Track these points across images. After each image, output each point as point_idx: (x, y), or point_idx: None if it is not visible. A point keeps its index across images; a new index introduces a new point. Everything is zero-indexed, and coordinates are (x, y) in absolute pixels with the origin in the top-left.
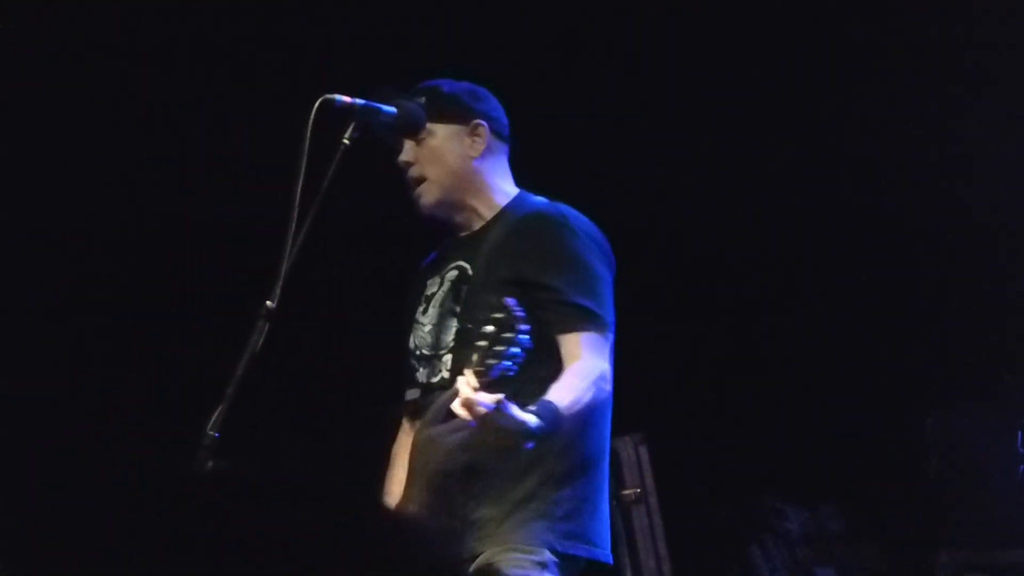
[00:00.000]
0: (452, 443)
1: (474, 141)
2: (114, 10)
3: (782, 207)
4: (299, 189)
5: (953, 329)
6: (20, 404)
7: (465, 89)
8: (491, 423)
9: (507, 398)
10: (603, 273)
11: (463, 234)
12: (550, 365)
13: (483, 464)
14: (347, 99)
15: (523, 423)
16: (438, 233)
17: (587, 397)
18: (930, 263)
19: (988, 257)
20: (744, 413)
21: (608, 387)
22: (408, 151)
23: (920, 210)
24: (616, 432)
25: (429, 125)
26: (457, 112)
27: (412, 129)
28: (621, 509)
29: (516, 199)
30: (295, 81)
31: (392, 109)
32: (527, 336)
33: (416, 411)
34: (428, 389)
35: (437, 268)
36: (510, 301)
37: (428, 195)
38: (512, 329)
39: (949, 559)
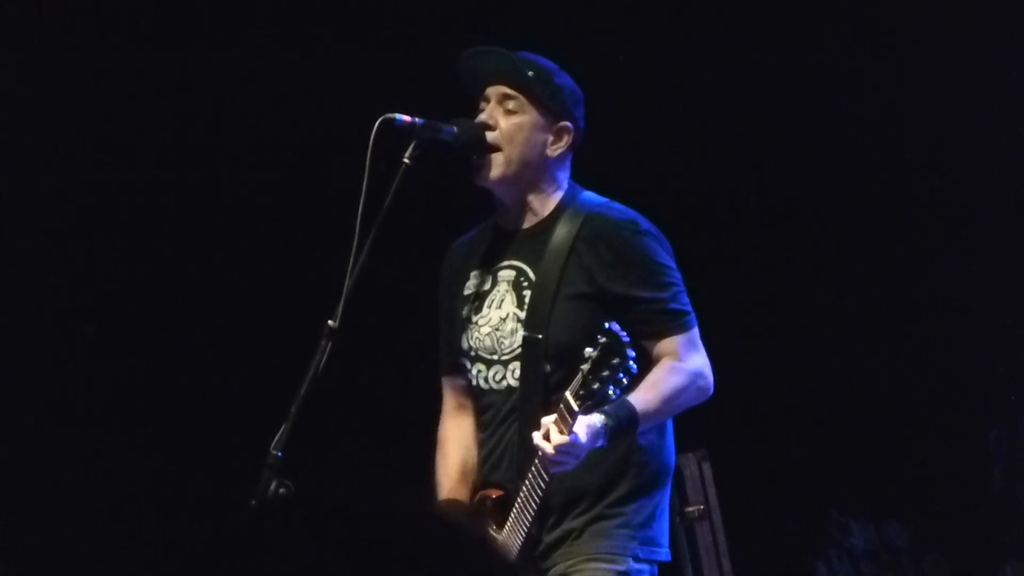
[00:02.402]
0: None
1: (557, 140)
2: (172, 33)
3: (846, 225)
4: (361, 208)
5: (1017, 343)
6: (86, 429)
7: (571, 88)
8: (578, 452)
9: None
10: (677, 270)
11: (512, 228)
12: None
13: (583, 482)
14: (407, 118)
15: (596, 428)
16: (480, 207)
17: (678, 389)
18: (994, 278)
19: None
20: (807, 428)
21: (709, 377)
22: (494, 112)
23: (986, 226)
24: (679, 449)
25: (525, 99)
26: (556, 106)
27: (472, 147)
28: (685, 526)
29: (568, 194)
30: (360, 100)
31: (452, 128)
32: (634, 363)
33: (479, 409)
34: (492, 393)
35: (485, 262)
36: (614, 326)
37: (495, 168)
38: (620, 355)
39: (1014, 572)
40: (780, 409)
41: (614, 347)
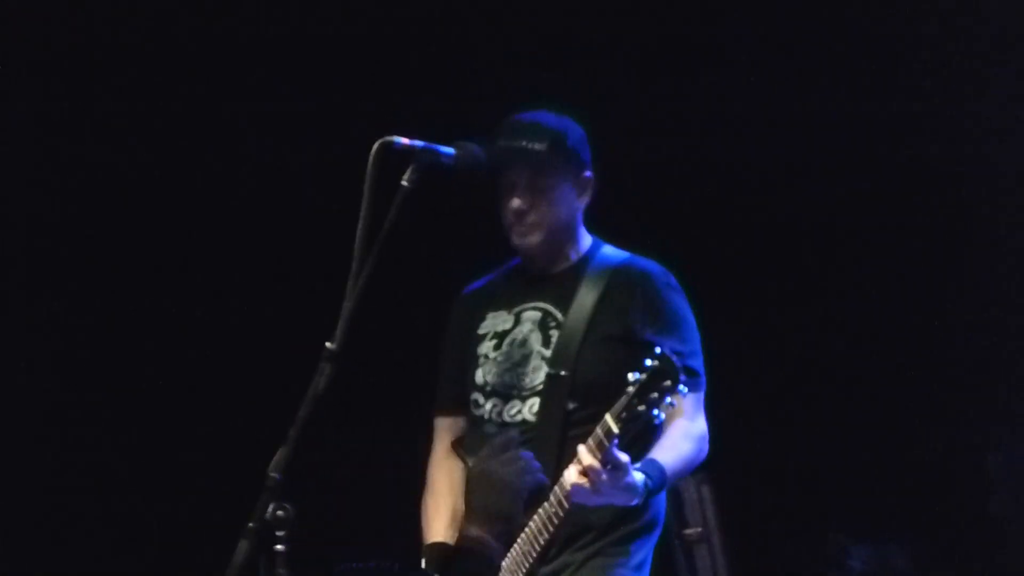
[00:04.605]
0: (511, 472)
1: (583, 193)
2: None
3: (842, 247)
4: (360, 231)
5: (1017, 365)
6: (83, 445)
7: (580, 137)
8: (607, 487)
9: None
10: (698, 333)
11: (537, 272)
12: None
13: (588, 520)
14: (406, 141)
15: (634, 485)
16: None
17: (691, 457)
18: (993, 299)
19: None
20: (807, 451)
21: (707, 448)
22: (525, 196)
23: (990, 237)
24: None
25: (552, 174)
26: (577, 165)
27: (471, 169)
28: (684, 548)
29: (593, 245)
30: (360, 124)
31: (451, 150)
32: (684, 387)
33: (480, 443)
34: (503, 427)
35: (506, 303)
36: (665, 350)
37: (534, 236)
38: (672, 378)
39: None
40: (780, 431)
41: (666, 370)
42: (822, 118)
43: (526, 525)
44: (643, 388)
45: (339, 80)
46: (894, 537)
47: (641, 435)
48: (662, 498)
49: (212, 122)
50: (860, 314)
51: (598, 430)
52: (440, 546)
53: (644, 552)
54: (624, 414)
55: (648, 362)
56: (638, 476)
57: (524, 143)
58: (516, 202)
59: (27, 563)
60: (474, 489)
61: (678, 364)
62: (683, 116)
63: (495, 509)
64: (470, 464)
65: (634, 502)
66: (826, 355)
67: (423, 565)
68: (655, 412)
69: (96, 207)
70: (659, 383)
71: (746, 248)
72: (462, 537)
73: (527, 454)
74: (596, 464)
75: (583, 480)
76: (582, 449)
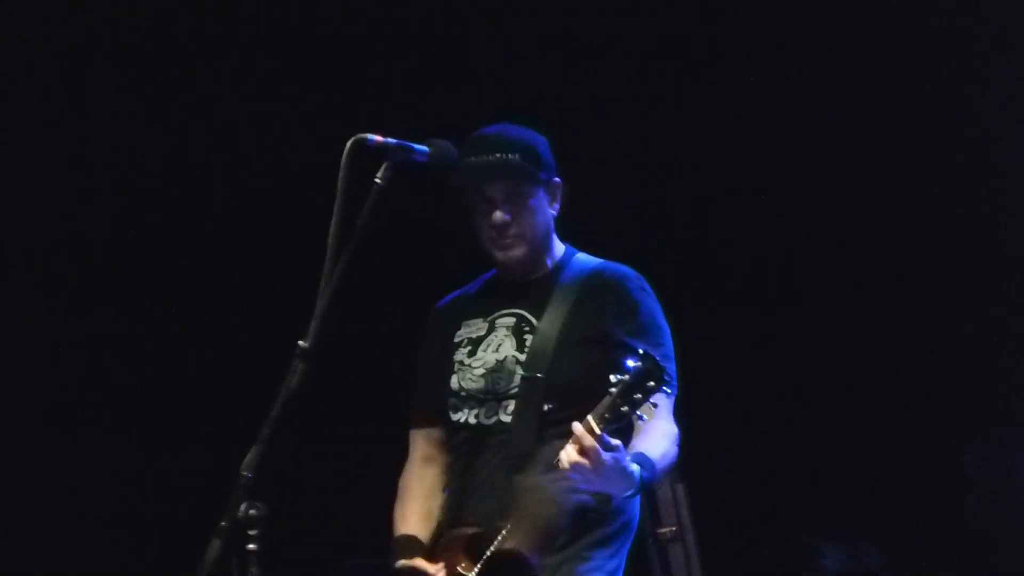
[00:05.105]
0: (559, 489)
1: (554, 199)
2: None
3: (818, 245)
4: (333, 229)
5: (990, 363)
6: (56, 447)
7: (544, 144)
8: (607, 470)
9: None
10: (671, 339)
11: (511, 280)
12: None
13: (583, 508)
14: (379, 138)
15: (631, 474)
16: (452, 226)
17: (671, 458)
18: (966, 298)
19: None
20: (780, 451)
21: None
22: (505, 208)
23: (958, 242)
24: None
25: (529, 187)
26: (547, 172)
27: (445, 167)
28: (658, 547)
29: (567, 252)
30: (334, 121)
31: (424, 148)
32: (668, 387)
33: (458, 447)
34: (478, 429)
35: (480, 312)
36: (650, 350)
37: (518, 249)
38: (656, 378)
39: None
40: (754, 430)
41: (650, 371)
42: (819, 118)
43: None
44: (627, 389)
45: (311, 78)
46: (868, 537)
47: (619, 436)
48: (636, 501)
49: (184, 122)
50: (835, 316)
51: (577, 430)
52: (411, 537)
53: (619, 557)
54: (608, 415)
55: (631, 363)
56: (634, 467)
57: (498, 155)
58: (498, 215)
59: None
60: (521, 501)
61: (662, 364)
62: (670, 119)
63: (540, 524)
64: (520, 479)
65: (628, 492)
66: (801, 357)
67: (393, 556)
68: (638, 413)
69: (63, 207)
70: (643, 384)
71: (722, 253)
72: (500, 551)
73: (576, 475)
74: (596, 444)
75: (584, 460)
76: (579, 428)
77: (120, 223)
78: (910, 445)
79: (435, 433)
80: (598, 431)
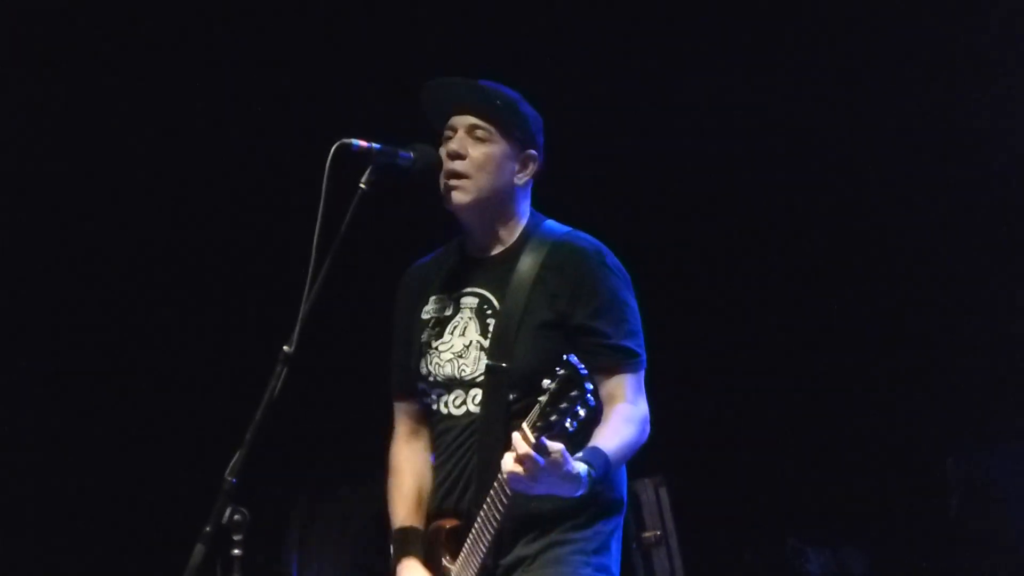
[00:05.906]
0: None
1: (523, 169)
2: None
3: (807, 257)
4: (317, 233)
5: (974, 370)
6: (38, 453)
7: (534, 116)
8: (545, 475)
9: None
10: (637, 311)
11: (475, 255)
12: (599, 411)
13: (537, 508)
14: (363, 143)
15: (576, 475)
16: (447, 230)
17: (634, 440)
18: (952, 308)
19: (1008, 300)
20: (765, 455)
21: (649, 429)
22: (462, 141)
23: (942, 251)
24: (636, 474)
25: (494, 129)
26: (522, 135)
27: (429, 172)
28: (642, 551)
29: (532, 222)
30: (319, 126)
31: (409, 153)
32: (592, 396)
33: (437, 435)
34: (449, 419)
35: (446, 287)
36: (572, 358)
37: (463, 194)
38: (578, 387)
39: None
40: (738, 435)
41: (573, 379)
42: (817, 118)
43: (476, 516)
44: (554, 398)
45: (296, 81)
46: (852, 541)
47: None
48: (622, 479)
49: (168, 127)
50: (819, 320)
51: (515, 440)
52: (409, 530)
53: (603, 538)
54: (539, 423)
55: (558, 370)
56: (580, 466)
57: (479, 85)
58: (453, 144)
59: None
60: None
61: (583, 373)
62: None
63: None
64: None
65: (578, 493)
66: (785, 361)
67: (392, 550)
68: (567, 421)
69: (38, 208)
70: (568, 392)
71: (709, 252)
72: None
73: (514, 484)
74: (531, 451)
75: (518, 468)
76: (516, 436)
77: (102, 228)
78: (894, 449)
79: (415, 406)
80: (532, 439)
